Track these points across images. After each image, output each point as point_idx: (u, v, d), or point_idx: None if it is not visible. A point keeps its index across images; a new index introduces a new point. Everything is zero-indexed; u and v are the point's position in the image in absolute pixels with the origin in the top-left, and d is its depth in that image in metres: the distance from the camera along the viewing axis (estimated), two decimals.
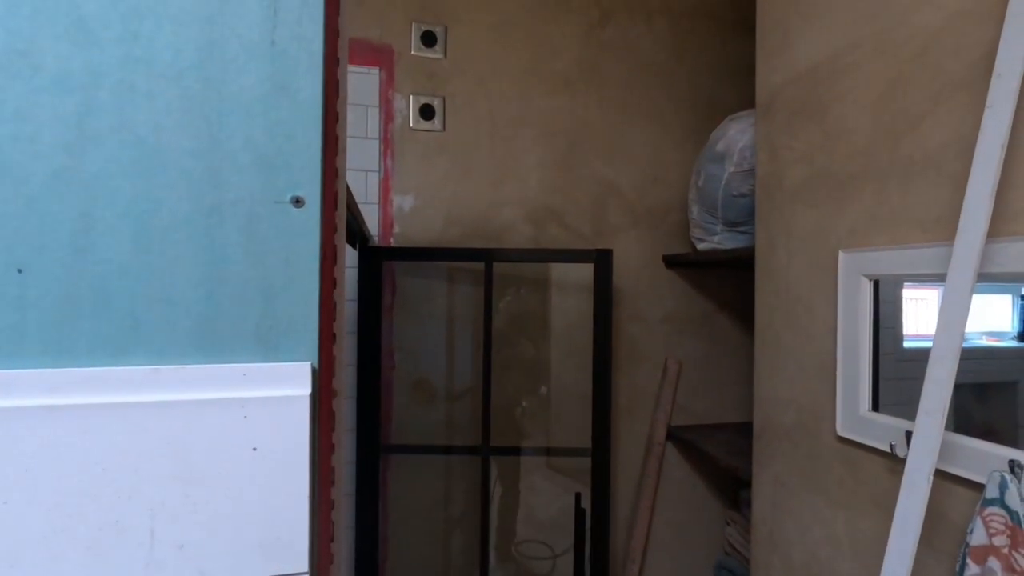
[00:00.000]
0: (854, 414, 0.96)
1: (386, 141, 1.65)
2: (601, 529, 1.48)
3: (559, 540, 1.77)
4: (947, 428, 0.74)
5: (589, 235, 1.78)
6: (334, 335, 0.53)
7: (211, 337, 0.47)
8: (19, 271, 0.44)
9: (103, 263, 0.45)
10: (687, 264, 1.82)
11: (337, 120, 0.53)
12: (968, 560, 0.70)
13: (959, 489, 0.78)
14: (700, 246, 1.64)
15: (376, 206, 1.64)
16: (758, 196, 1.25)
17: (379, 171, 1.64)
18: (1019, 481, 0.67)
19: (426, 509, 1.70)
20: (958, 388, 0.73)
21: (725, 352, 1.90)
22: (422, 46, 1.66)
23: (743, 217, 1.48)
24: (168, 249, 0.46)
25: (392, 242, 1.65)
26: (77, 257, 0.45)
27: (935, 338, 0.74)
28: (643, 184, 1.82)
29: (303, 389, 0.48)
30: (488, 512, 1.54)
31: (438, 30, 1.67)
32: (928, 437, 0.73)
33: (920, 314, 0.98)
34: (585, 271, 1.67)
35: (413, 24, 1.65)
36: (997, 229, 0.73)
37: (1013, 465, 0.68)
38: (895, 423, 0.88)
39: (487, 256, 1.49)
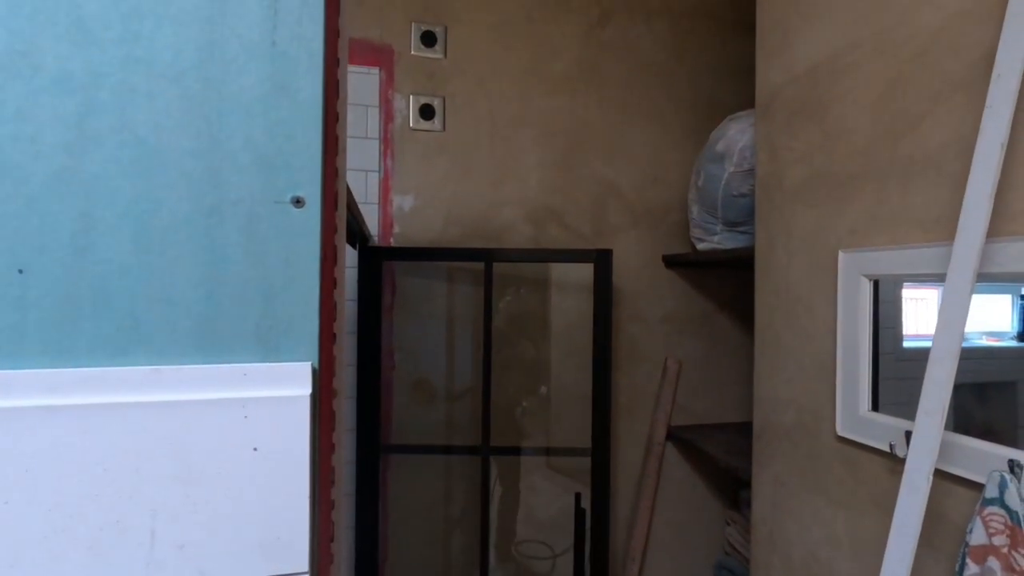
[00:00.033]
0: (854, 414, 0.96)
1: (386, 141, 1.65)
2: (601, 529, 1.48)
3: (559, 540, 1.77)
4: (947, 428, 0.74)
5: (589, 235, 1.78)
6: (334, 335, 0.53)
7: (211, 337, 0.47)
8: (20, 271, 0.44)
9: (103, 263, 0.45)
10: (687, 264, 1.82)
11: (337, 120, 0.53)
12: (968, 560, 0.70)
13: (959, 489, 0.78)
14: (700, 246, 1.64)
15: (376, 206, 1.64)
16: (758, 196, 1.25)
17: (379, 171, 1.64)
18: (1019, 481, 0.67)
19: (426, 509, 1.70)
20: (958, 388, 0.73)
21: (725, 352, 1.90)
22: (422, 46, 1.66)
23: (743, 217, 1.48)
24: (168, 249, 0.46)
25: (392, 242, 1.65)
26: (77, 257, 0.45)
27: (935, 338, 0.74)
28: (643, 184, 1.82)
29: (303, 389, 0.48)
30: (488, 512, 1.54)
31: (438, 30, 1.67)
32: (928, 437, 0.74)
33: (920, 314, 0.98)
34: (585, 271, 1.67)
35: (413, 24, 1.66)
36: (997, 229, 0.73)
37: (1012, 465, 0.68)
38: (895, 423, 0.88)
39: (487, 256, 1.49)
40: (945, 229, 0.81)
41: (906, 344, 0.98)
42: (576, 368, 1.76)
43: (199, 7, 0.47)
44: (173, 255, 0.46)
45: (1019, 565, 0.65)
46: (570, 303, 1.77)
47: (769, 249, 1.20)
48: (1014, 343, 1.00)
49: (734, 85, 1.87)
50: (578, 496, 1.54)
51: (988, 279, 0.75)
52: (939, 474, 0.78)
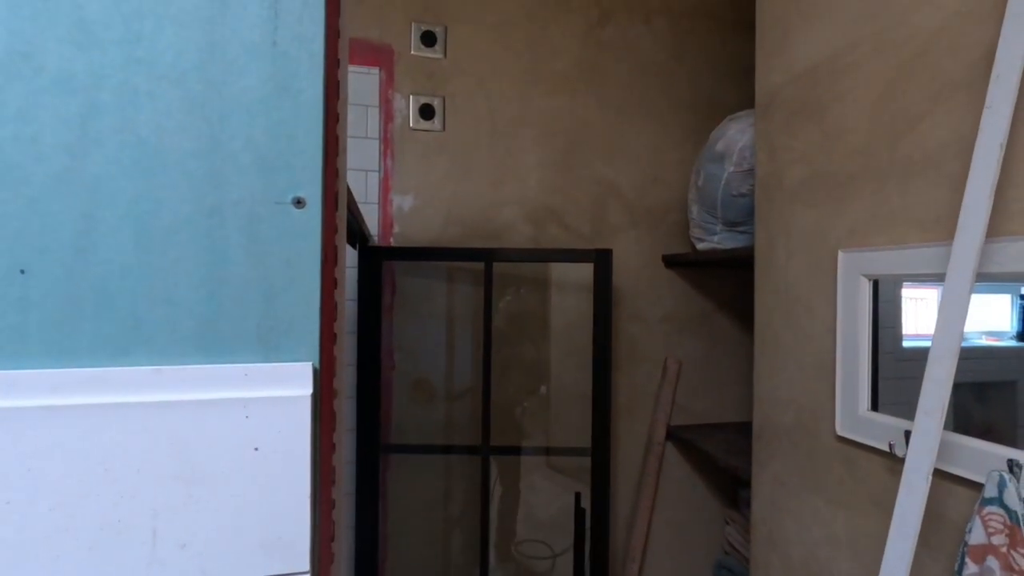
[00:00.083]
0: (853, 413, 0.96)
1: (386, 141, 1.65)
2: (601, 528, 1.48)
3: (559, 539, 1.77)
4: (946, 427, 0.74)
5: (589, 235, 1.78)
6: (335, 335, 0.53)
7: (213, 337, 0.47)
8: (21, 272, 0.44)
9: (105, 264, 0.45)
10: (687, 264, 1.82)
11: (338, 121, 0.53)
12: (967, 559, 0.70)
13: (958, 488, 0.78)
14: (700, 246, 1.64)
15: (376, 206, 1.64)
16: (757, 196, 1.25)
17: (379, 171, 1.64)
18: (1018, 480, 0.67)
19: (426, 509, 1.70)
20: (957, 388, 0.73)
21: (725, 352, 1.90)
22: (422, 46, 1.66)
23: (742, 217, 1.48)
24: (170, 250, 0.46)
25: (392, 242, 1.65)
26: (79, 258, 0.45)
27: (934, 338, 0.74)
28: (643, 184, 1.82)
29: (304, 389, 0.48)
30: (488, 512, 1.54)
31: (438, 30, 1.67)
32: (927, 436, 0.74)
33: (919, 313, 0.98)
34: (585, 271, 1.67)
35: (413, 24, 1.66)
36: (996, 229, 0.73)
37: (1012, 464, 0.69)
38: (894, 423, 0.88)
39: (487, 256, 1.49)
40: (944, 229, 0.81)
41: (906, 344, 0.98)
42: (576, 368, 1.76)
43: (200, 8, 0.47)
44: (174, 256, 0.46)
45: (1018, 565, 0.65)
46: (570, 303, 1.78)
47: (769, 249, 1.20)
48: (1013, 343, 1.00)
49: (734, 85, 1.87)
50: (578, 496, 1.54)
51: (987, 279, 0.75)
52: (938, 474, 0.78)
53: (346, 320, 0.95)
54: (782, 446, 1.15)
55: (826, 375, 1.03)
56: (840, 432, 0.99)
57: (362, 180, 1.63)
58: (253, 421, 0.46)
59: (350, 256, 1.50)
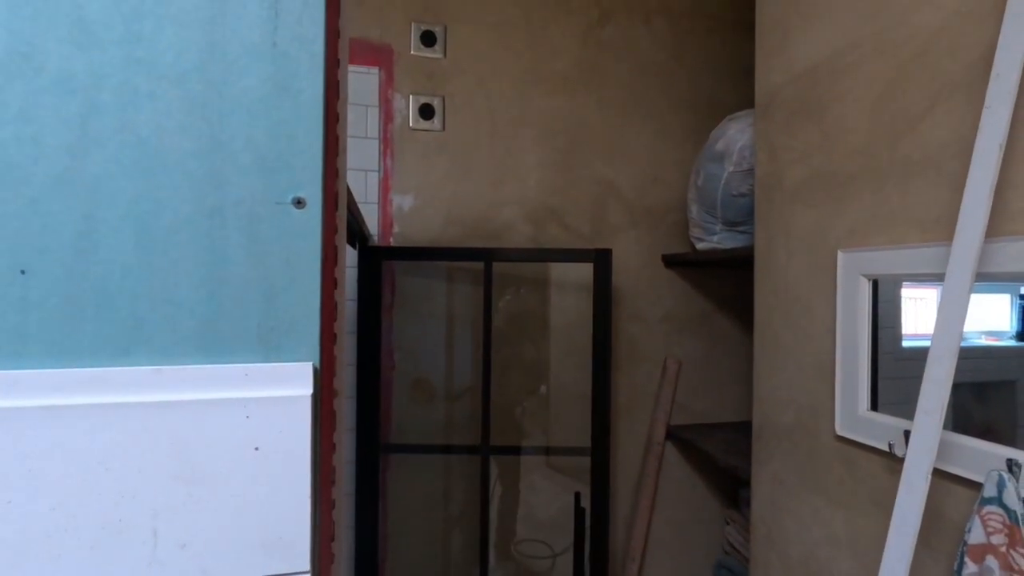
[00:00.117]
0: (853, 413, 0.96)
1: (386, 141, 1.65)
2: (601, 528, 1.48)
3: (559, 539, 1.78)
4: (945, 427, 0.74)
5: (588, 235, 1.78)
6: (335, 335, 0.53)
7: (213, 337, 0.47)
8: (22, 272, 0.44)
9: (105, 264, 0.45)
10: (686, 264, 1.82)
11: (338, 121, 0.53)
12: (966, 559, 0.70)
13: (957, 488, 0.78)
14: (699, 246, 1.64)
15: (376, 206, 1.64)
16: (757, 196, 1.25)
17: (379, 171, 1.64)
18: (1017, 480, 0.67)
19: (426, 508, 1.70)
20: (956, 387, 0.73)
21: (724, 352, 1.90)
22: (422, 46, 1.66)
23: (742, 217, 1.48)
24: (170, 250, 0.46)
25: (392, 242, 1.65)
26: (80, 258, 0.45)
27: (933, 337, 0.74)
28: (643, 184, 1.82)
29: (305, 389, 0.48)
30: (488, 511, 1.54)
31: (438, 30, 1.67)
32: (926, 436, 0.74)
33: (919, 313, 0.98)
34: (584, 271, 1.67)
35: (413, 24, 1.66)
36: (995, 229, 0.73)
37: (1011, 464, 0.69)
38: (894, 422, 0.88)
39: (487, 256, 1.49)
40: (944, 229, 0.81)
41: (905, 343, 0.98)
42: (576, 368, 1.76)
43: (200, 8, 0.47)
44: (175, 256, 0.46)
45: (1017, 564, 0.65)
46: (570, 303, 1.78)
47: (768, 249, 1.20)
48: (1013, 342, 1.01)
49: (734, 85, 1.87)
50: (578, 495, 1.54)
51: (987, 279, 0.75)
52: (938, 473, 0.78)
53: (346, 320, 0.95)
54: (782, 446, 1.15)
55: (826, 375, 1.03)
56: (840, 432, 0.99)
57: (362, 180, 1.63)
58: (253, 421, 0.46)
59: (350, 256, 1.50)
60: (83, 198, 0.45)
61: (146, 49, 0.46)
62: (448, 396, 1.72)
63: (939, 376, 0.73)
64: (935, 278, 0.79)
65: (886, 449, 0.88)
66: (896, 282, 0.97)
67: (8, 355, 0.43)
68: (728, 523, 1.75)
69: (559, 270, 1.77)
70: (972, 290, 0.72)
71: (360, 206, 1.59)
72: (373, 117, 1.64)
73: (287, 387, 0.48)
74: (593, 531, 1.48)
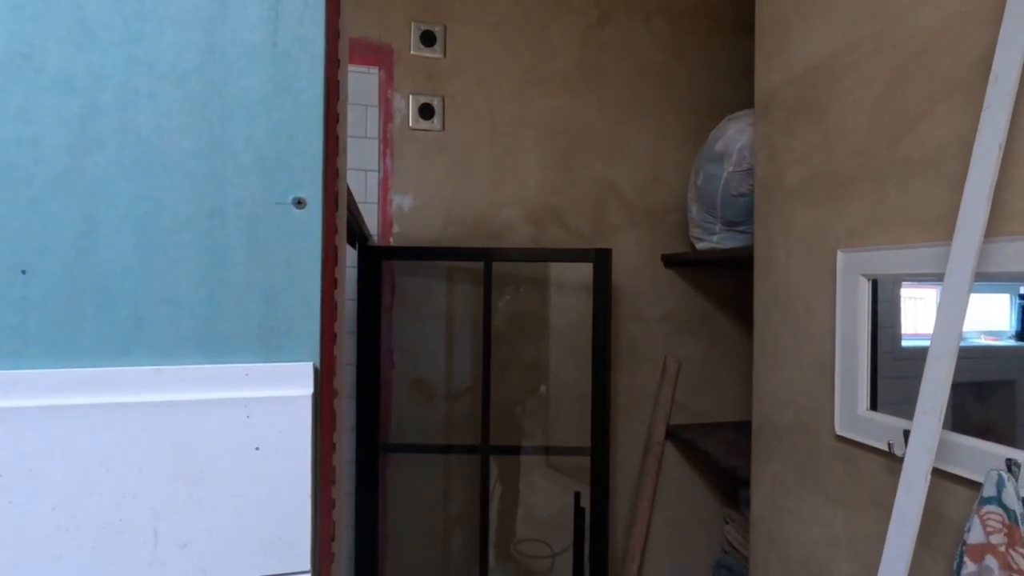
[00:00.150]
0: (852, 413, 0.96)
1: (386, 141, 1.65)
2: (600, 528, 1.48)
3: (558, 539, 1.78)
4: (945, 427, 0.74)
5: (588, 235, 1.78)
6: (335, 335, 0.53)
7: (213, 337, 0.47)
8: (23, 272, 0.44)
9: (106, 264, 0.45)
10: (686, 263, 1.82)
11: (338, 121, 0.53)
12: (965, 558, 0.70)
13: (957, 488, 0.78)
14: (699, 245, 1.64)
15: (376, 206, 1.64)
16: (757, 196, 1.25)
17: (379, 171, 1.64)
18: (1016, 480, 0.67)
19: (426, 508, 1.70)
20: (956, 387, 0.73)
21: (724, 351, 1.90)
22: (421, 46, 1.66)
23: (742, 216, 1.48)
24: (170, 250, 0.46)
25: (391, 241, 1.65)
26: (80, 258, 0.45)
27: (933, 337, 0.74)
28: (642, 184, 1.82)
29: (305, 389, 0.48)
30: (487, 511, 1.54)
31: (437, 30, 1.67)
32: (926, 436, 0.74)
33: (919, 313, 0.98)
34: (584, 271, 1.67)
35: (412, 24, 1.66)
36: (995, 229, 0.73)
37: (1010, 464, 0.69)
38: (893, 422, 0.88)
39: (487, 256, 1.49)
40: (944, 229, 0.81)
41: (905, 343, 0.98)
42: (575, 367, 1.76)
43: (200, 8, 0.47)
44: (175, 256, 0.47)
45: (1016, 564, 0.65)
46: (569, 303, 1.78)
47: (768, 249, 1.21)
48: (1012, 342, 1.01)
49: (734, 85, 1.87)
50: (577, 495, 1.54)
51: (986, 278, 0.75)
52: (937, 473, 0.78)
53: (346, 320, 0.96)
54: (781, 445, 1.16)
55: (825, 375, 1.03)
56: (839, 431, 0.99)
57: (362, 180, 1.63)
58: (254, 421, 0.46)
59: (350, 256, 1.50)
60: (83, 198, 0.45)
61: (146, 49, 0.46)
62: (448, 396, 1.72)
63: (938, 376, 0.73)
64: (935, 278, 0.80)
65: (886, 449, 0.88)
66: (896, 282, 0.97)
67: (8, 355, 0.43)
68: (728, 523, 1.75)
69: (559, 270, 1.77)
70: (971, 290, 0.72)
71: (360, 206, 1.59)
72: (373, 117, 1.64)
73: (287, 387, 0.48)
74: (593, 531, 1.48)
